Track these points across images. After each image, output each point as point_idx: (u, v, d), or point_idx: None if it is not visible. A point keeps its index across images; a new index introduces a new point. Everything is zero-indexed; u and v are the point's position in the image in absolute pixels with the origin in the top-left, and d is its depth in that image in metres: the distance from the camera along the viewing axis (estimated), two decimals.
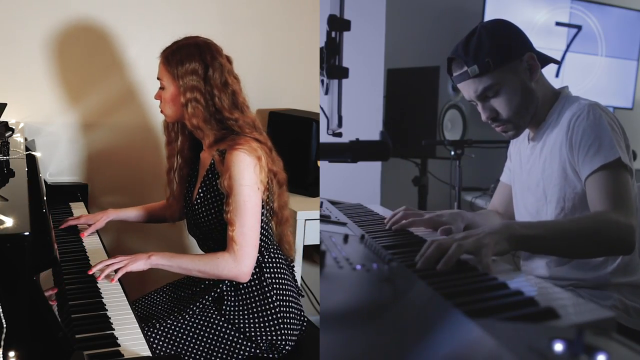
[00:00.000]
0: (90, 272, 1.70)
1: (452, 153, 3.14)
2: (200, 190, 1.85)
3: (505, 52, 1.60)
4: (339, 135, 1.59)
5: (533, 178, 1.71)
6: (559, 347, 0.72)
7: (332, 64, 1.52)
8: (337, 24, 1.51)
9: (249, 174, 1.72)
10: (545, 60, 1.68)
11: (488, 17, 3.48)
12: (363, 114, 3.06)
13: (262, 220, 1.81)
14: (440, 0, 3.77)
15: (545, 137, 1.67)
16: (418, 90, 3.45)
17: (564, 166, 1.59)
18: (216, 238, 1.84)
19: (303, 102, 2.89)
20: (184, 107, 1.79)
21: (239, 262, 1.72)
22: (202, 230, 1.88)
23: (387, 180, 3.36)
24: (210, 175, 1.83)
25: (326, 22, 1.51)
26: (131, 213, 2.20)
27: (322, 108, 1.63)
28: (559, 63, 1.72)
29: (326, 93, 1.58)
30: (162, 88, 1.85)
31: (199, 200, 1.86)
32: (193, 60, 1.79)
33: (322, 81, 1.58)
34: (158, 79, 1.85)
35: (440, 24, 3.75)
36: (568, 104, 1.63)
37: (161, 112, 1.88)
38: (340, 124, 1.58)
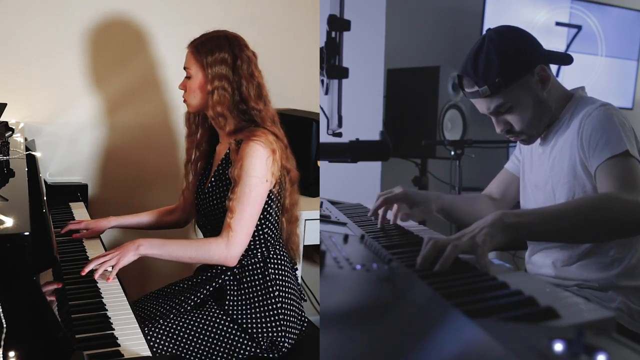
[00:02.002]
0: (84, 273, 1.68)
1: (452, 153, 3.14)
2: (213, 179, 1.89)
3: (515, 69, 1.57)
4: (339, 135, 1.59)
5: (542, 176, 1.71)
6: (559, 347, 0.72)
7: (332, 64, 1.52)
8: (337, 24, 1.51)
9: (260, 165, 1.76)
10: (558, 59, 1.66)
11: (488, 17, 3.48)
12: (363, 114, 3.06)
13: (270, 213, 1.84)
14: (440, 1, 3.77)
15: (557, 137, 1.66)
16: (418, 90, 3.45)
17: (574, 164, 1.59)
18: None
19: (303, 102, 2.89)
20: (210, 94, 1.83)
21: (230, 247, 1.75)
22: (211, 220, 1.90)
23: (387, 180, 3.36)
24: (224, 164, 1.86)
25: (326, 22, 1.51)
26: (136, 219, 2.16)
27: (322, 108, 1.63)
28: (571, 62, 1.69)
29: (326, 93, 1.58)
30: (188, 77, 1.88)
31: (210, 189, 1.88)
32: (223, 50, 1.84)
33: (322, 81, 1.58)
34: (185, 68, 1.88)
35: (440, 24, 3.75)
36: (581, 106, 1.62)
37: (184, 101, 1.91)
38: (340, 124, 1.58)
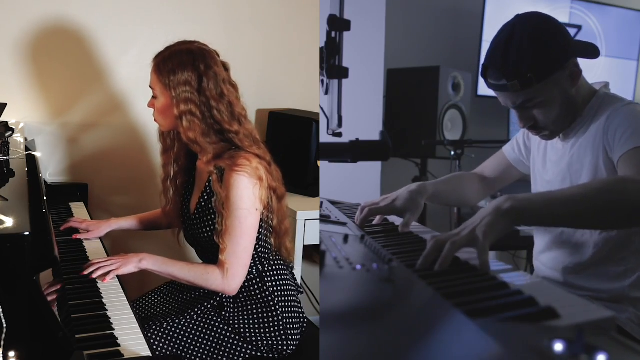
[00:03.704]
0: (83, 274, 1.68)
1: (452, 153, 3.14)
2: (198, 206, 1.82)
3: (549, 64, 1.49)
4: (339, 135, 1.59)
5: (558, 172, 1.65)
6: (559, 347, 0.72)
7: (332, 64, 1.51)
8: (337, 24, 1.51)
9: (247, 196, 1.69)
10: (586, 51, 1.59)
11: (488, 17, 3.47)
12: (363, 114, 3.06)
13: (261, 232, 1.79)
14: (440, 1, 3.77)
15: (578, 134, 1.60)
16: (418, 90, 3.45)
17: (596, 163, 1.53)
18: (216, 252, 1.79)
19: (303, 102, 2.89)
20: (179, 119, 1.71)
21: (227, 280, 1.71)
22: (201, 243, 1.86)
23: (387, 180, 3.36)
24: (208, 191, 1.78)
25: (326, 22, 1.51)
26: (129, 222, 2.16)
27: (322, 108, 1.62)
28: (598, 55, 1.63)
29: (326, 93, 1.58)
30: (154, 97, 1.78)
31: (197, 215, 1.82)
32: (186, 69, 1.70)
33: (322, 81, 1.58)
34: (150, 87, 1.78)
35: (440, 24, 3.75)
36: (606, 103, 1.57)
37: (155, 121, 1.82)
38: (340, 124, 1.58)
